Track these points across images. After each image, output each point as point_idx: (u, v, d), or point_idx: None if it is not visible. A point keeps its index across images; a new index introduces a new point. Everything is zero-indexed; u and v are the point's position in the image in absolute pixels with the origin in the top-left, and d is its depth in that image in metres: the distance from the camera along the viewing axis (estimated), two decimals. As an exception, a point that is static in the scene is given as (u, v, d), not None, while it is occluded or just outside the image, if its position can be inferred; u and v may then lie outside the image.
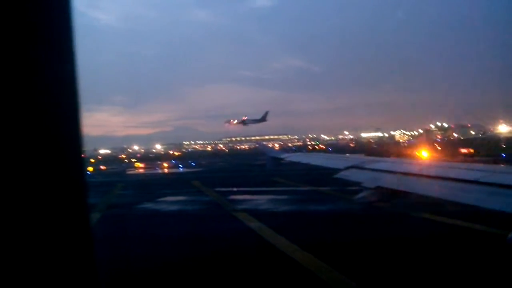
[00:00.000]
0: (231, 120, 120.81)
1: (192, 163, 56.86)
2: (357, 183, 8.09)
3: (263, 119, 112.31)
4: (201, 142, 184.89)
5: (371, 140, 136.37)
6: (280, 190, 22.07)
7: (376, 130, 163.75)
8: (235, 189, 23.51)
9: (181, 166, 54.47)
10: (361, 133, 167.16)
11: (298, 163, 12.99)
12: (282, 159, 13.98)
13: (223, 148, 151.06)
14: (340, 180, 9.05)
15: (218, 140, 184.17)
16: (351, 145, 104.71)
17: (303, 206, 17.06)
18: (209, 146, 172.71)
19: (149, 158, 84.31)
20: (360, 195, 7.89)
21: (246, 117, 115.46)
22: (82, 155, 1.23)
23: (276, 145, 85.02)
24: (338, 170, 9.10)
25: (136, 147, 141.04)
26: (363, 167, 8.82)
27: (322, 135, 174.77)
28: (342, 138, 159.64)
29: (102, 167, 58.94)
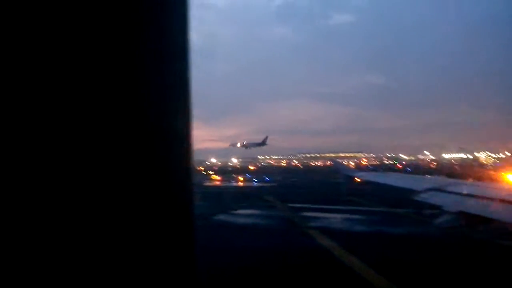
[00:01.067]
0: (236, 144, 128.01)
1: (266, 178, 57.26)
2: (438, 207, 7.78)
3: (263, 143, 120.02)
4: (276, 157, 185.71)
5: (454, 162, 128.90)
6: (354, 209, 21.56)
7: (459, 150, 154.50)
8: (308, 205, 23.31)
9: (255, 180, 55.10)
10: (442, 153, 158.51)
11: (374, 183, 12.70)
12: (357, 178, 13.76)
13: (297, 164, 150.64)
14: (419, 202, 8.72)
15: (292, 156, 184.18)
16: (432, 166, 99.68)
17: (378, 227, 16.54)
18: (283, 161, 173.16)
19: (225, 171, 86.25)
20: (441, 219, 7.57)
21: (245, 142, 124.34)
22: (191, 165, 1.22)
23: (352, 163, 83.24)
24: (417, 192, 8.81)
25: (213, 160, 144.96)
26: (444, 190, 8.47)
27: (401, 154, 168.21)
28: (422, 159, 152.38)
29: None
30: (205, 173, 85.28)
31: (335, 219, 18.50)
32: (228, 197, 33.22)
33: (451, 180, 10.26)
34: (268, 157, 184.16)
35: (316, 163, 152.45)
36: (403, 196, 13.11)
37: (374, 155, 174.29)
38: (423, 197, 8.40)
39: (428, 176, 16.63)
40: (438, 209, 7.65)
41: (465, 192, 7.82)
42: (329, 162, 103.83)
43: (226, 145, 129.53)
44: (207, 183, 53.28)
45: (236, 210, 22.01)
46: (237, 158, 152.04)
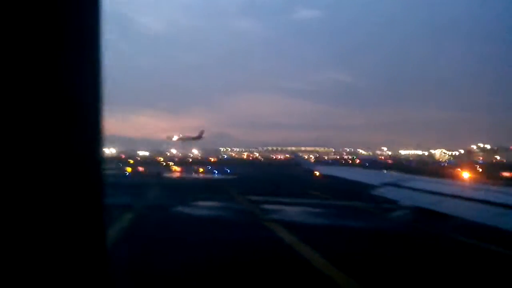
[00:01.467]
0: (173, 136, 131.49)
1: (227, 170, 57.19)
2: (394, 201, 7.91)
3: (198, 137, 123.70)
4: (237, 149, 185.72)
5: (410, 158, 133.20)
6: (313, 202, 21.83)
7: (416, 147, 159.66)
8: (268, 198, 23.39)
9: (216, 172, 54.93)
10: (400, 150, 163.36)
11: (333, 177, 12.82)
12: (316, 171, 13.83)
13: (258, 157, 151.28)
14: (376, 196, 8.84)
15: (254, 148, 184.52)
16: (389, 161, 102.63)
17: (336, 220, 16.83)
18: (244, 154, 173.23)
19: (186, 163, 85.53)
20: (397, 213, 7.70)
21: (180, 135, 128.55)
22: (100, 155, 1.24)
23: (312, 157, 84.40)
24: (374, 186, 8.91)
25: (174, 151, 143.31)
26: (400, 185, 8.61)
27: (360, 150, 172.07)
28: (380, 154, 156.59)
29: (140, 168, 60.26)
30: (165, 163, 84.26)
31: (295, 212, 18.64)
32: (188, 189, 32.91)
33: (407, 176, 10.49)
34: (230, 149, 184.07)
35: (277, 157, 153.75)
36: (361, 190, 13.34)
37: (333, 150, 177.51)
38: (381, 191, 8.51)
39: (385, 171, 16.97)
40: (395, 204, 7.78)
41: (419, 187, 7.98)
42: (290, 156, 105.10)
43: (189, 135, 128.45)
44: (168, 174, 52.63)
45: (195, 201, 21.79)
46: (198, 149, 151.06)
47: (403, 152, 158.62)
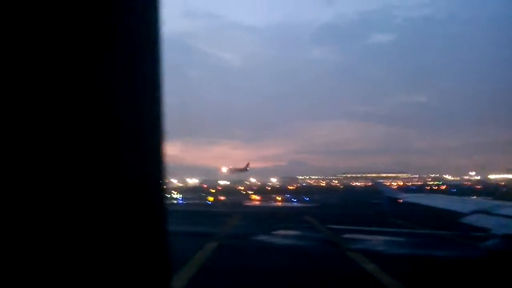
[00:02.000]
0: (222, 168, 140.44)
1: (306, 198, 56.78)
2: (484, 229, 7.50)
3: (244, 169, 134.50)
4: (315, 177, 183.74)
5: (501, 183, 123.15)
6: (397, 231, 21.01)
7: (507, 171, 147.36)
8: (349, 227, 22.86)
9: (295, 200, 54.77)
10: (489, 174, 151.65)
11: (418, 205, 12.35)
12: (399, 199, 13.41)
13: (337, 184, 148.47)
14: (465, 225, 8.42)
15: (332, 176, 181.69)
16: (477, 187, 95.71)
17: (422, 250, 15.97)
18: (323, 181, 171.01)
19: (265, 191, 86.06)
20: (488, 242, 7.29)
21: (230, 167, 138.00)
22: (163, 184, 1.24)
23: (394, 184, 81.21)
24: (462, 214, 8.53)
25: (253, 180, 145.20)
26: (491, 212, 8.15)
27: (445, 175, 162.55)
28: (467, 179, 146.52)
29: (221, 197, 62.00)
30: (244, 192, 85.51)
31: (377, 241, 18.05)
32: (267, 217, 33.07)
33: (498, 202, 9.84)
34: (308, 177, 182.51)
35: (357, 183, 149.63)
36: (448, 218, 12.63)
37: (417, 176, 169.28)
38: (469, 219, 8.11)
39: (473, 197, 15.99)
40: (485, 232, 7.36)
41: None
42: (370, 183, 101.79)
43: (265, 164, 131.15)
44: (247, 203, 53.38)
45: (275, 230, 21.90)
46: (277, 177, 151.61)
47: (492, 176, 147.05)
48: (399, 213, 26.50)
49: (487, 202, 10.03)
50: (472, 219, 8.09)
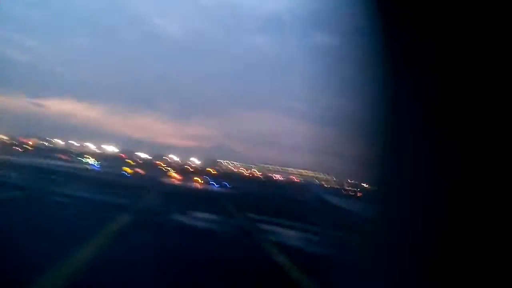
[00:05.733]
0: None
1: (226, 183, 56.77)
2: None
3: None
4: (237, 163, 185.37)
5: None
6: (314, 230, 21.29)
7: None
8: (268, 218, 22.81)
9: (215, 183, 54.58)
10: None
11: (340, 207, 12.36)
12: (326, 200, 13.38)
13: (258, 174, 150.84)
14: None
15: (253, 164, 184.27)
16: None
17: (331, 249, 16.11)
18: (244, 169, 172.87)
19: (185, 170, 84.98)
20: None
21: None
22: None
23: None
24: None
25: (173, 157, 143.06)
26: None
27: (363, 184, 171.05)
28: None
29: (139, 170, 59.95)
30: (163, 169, 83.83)
31: (293, 236, 18.08)
32: (183, 197, 32.66)
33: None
34: (230, 162, 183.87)
35: (276, 176, 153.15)
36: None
37: (335, 179, 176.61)
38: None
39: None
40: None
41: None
42: (295, 178, 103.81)
43: (188, 143, 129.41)
44: (165, 180, 52.28)
45: (191, 211, 21.27)
46: (198, 158, 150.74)
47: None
48: (322, 212, 27.03)
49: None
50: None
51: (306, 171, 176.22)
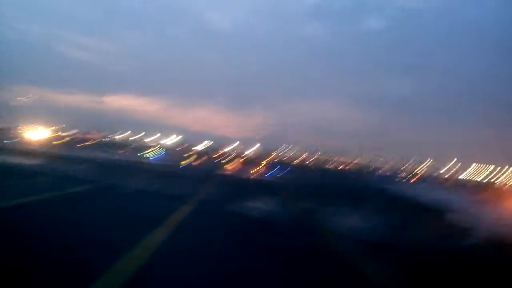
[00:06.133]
0: None
1: (283, 172, 56.77)
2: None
3: None
4: (293, 151, 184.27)
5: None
6: (376, 217, 20.77)
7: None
8: (330, 206, 22.41)
9: (272, 172, 54.67)
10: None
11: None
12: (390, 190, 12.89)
13: (315, 161, 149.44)
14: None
15: (310, 152, 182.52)
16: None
17: (402, 237, 15.53)
18: (300, 156, 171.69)
19: (242, 160, 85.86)
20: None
21: None
22: None
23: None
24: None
25: (231, 147, 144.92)
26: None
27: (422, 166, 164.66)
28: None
29: (196, 162, 61.39)
30: (221, 159, 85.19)
31: (353, 223, 17.72)
32: (243, 187, 32.94)
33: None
34: (287, 151, 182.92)
35: (335, 164, 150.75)
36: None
37: (394, 164, 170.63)
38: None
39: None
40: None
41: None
42: (352, 165, 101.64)
43: (244, 134, 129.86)
44: (223, 170, 53.04)
45: (251, 201, 21.36)
46: (253, 148, 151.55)
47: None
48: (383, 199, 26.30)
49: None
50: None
51: (364, 157, 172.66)
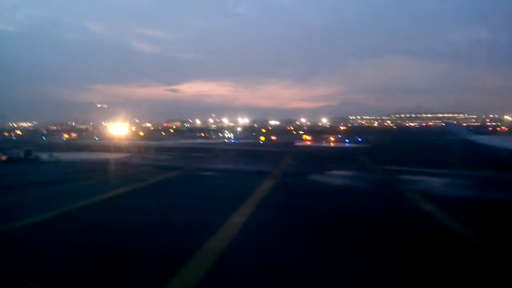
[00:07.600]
0: None
1: (358, 139, 56.07)
2: None
3: None
4: (367, 117, 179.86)
5: None
6: (459, 173, 20.38)
7: None
8: (406, 168, 22.32)
9: (347, 140, 54.23)
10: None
11: (490, 146, 11.62)
12: (473, 140, 12.65)
13: (391, 125, 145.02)
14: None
15: (386, 116, 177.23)
16: None
17: (484, 193, 15.21)
18: (375, 122, 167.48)
19: (316, 131, 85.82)
20: None
21: None
22: None
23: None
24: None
25: (303, 120, 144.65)
26: None
27: (506, 116, 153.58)
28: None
29: (272, 137, 62.37)
30: (295, 132, 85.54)
31: (437, 183, 17.61)
32: (320, 157, 33.27)
33: None
34: (359, 117, 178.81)
35: (411, 124, 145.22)
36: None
37: (474, 116, 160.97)
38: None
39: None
40: None
41: None
42: (432, 123, 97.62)
43: (315, 104, 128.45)
44: (299, 143, 53.51)
45: (329, 170, 21.85)
46: (327, 118, 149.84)
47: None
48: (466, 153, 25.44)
49: None
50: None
51: (443, 114, 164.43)
